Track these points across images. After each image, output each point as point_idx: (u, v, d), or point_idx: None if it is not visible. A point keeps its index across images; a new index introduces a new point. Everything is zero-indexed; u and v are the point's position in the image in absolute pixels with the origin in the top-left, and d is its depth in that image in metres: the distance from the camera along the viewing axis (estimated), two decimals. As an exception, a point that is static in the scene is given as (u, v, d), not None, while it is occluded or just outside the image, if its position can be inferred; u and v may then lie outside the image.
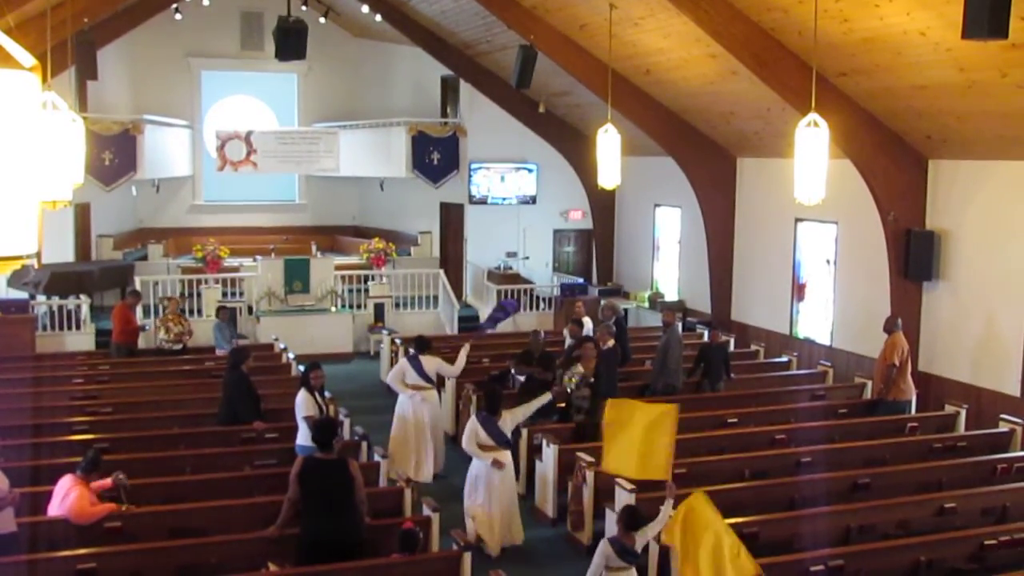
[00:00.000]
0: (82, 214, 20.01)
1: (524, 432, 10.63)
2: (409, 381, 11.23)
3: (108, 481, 7.84)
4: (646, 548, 8.04)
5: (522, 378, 11.34)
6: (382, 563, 7.22)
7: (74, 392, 12.11)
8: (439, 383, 12.14)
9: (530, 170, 20.96)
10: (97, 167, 18.23)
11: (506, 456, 9.23)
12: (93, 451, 8.05)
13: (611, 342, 11.99)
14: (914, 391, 11.91)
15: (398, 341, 15.02)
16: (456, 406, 12.73)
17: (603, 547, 7.11)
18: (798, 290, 15.73)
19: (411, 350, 11.66)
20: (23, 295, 16.64)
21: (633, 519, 7.15)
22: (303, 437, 9.21)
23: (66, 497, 7.54)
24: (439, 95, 22.59)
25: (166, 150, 21.25)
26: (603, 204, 20.89)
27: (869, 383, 12.72)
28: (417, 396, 11.23)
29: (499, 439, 9.18)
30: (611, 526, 8.26)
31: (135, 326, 14.41)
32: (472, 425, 9.29)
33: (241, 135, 21.16)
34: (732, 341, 15.27)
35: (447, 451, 11.69)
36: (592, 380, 10.67)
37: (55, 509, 7.61)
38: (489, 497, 9.08)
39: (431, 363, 11.30)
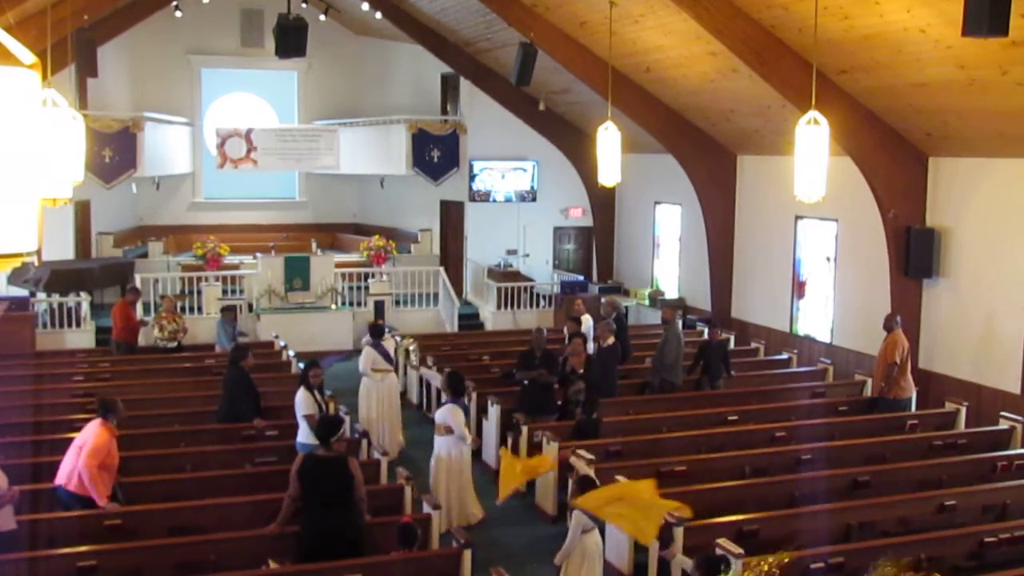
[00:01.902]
0: (82, 212, 20.01)
1: (524, 430, 10.65)
2: (377, 367, 11.91)
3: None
4: (644, 551, 8.09)
5: (526, 381, 11.33)
6: (382, 560, 7.22)
7: (74, 389, 12.11)
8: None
9: (525, 170, 20.95)
10: (97, 164, 18.23)
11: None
12: (99, 398, 8.37)
13: (611, 339, 12.01)
14: (914, 389, 11.91)
15: (398, 339, 15.02)
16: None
17: (576, 516, 7.63)
18: (798, 287, 15.73)
19: (370, 339, 12.15)
20: (23, 292, 16.64)
21: (584, 487, 7.68)
22: (303, 435, 9.22)
23: (95, 436, 7.78)
24: (439, 93, 22.58)
25: (166, 147, 21.24)
26: (603, 201, 20.90)
27: (869, 380, 12.72)
28: (387, 378, 12.01)
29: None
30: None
31: (135, 323, 14.42)
32: (451, 409, 9.68)
33: (241, 132, 21.14)
34: (732, 338, 15.28)
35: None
36: (582, 372, 10.76)
37: (79, 443, 7.80)
38: (447, 474, 9.66)
39: (391, 344, 12.32)
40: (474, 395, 12.04)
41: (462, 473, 9.81)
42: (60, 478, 7.93)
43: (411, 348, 12.46)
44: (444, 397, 10.12)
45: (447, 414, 9.70)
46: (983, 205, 12.29)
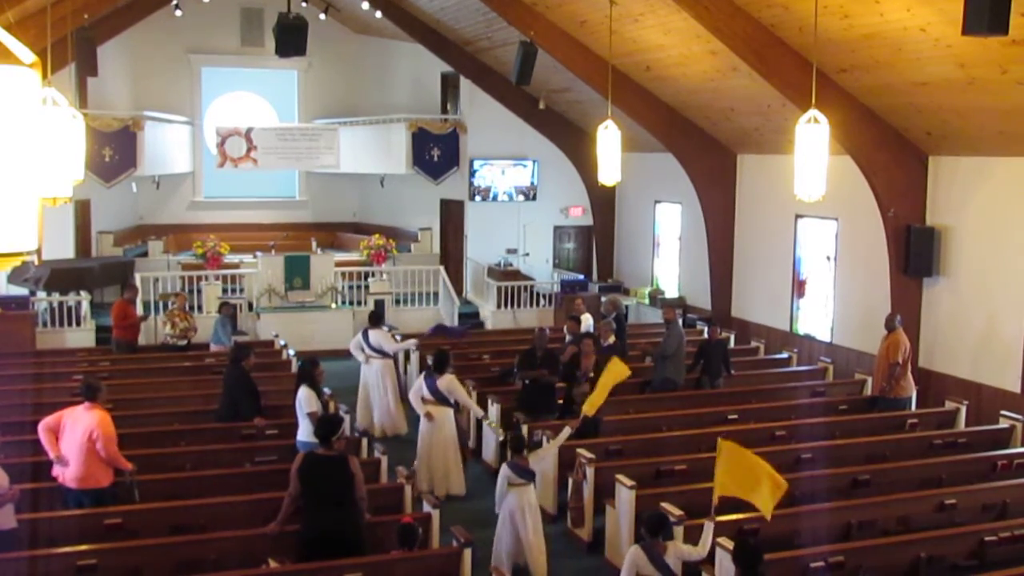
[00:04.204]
0: (82, 211, 20.01)
1: (524, 428, 10.64)
2: (366, 351, 12.55)
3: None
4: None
5: (527, 381, 11.34)
6: (382, 559, 7.22)
7: (74, 388, 12.07)
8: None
9: (525, 166, 20.97)
10: (97, 163, 18.22)
11: (447, 413, 10.53)
12: (85, 381, 8.43)
13: (612, 339, 12.02)
14: (914, 388, 11.91)
15: (398, 337, 15.01)
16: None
17: (503, 470, 8.39)
18: (798, 286, 15.73)
19: (367, 324, 12.92)
20: (23, 291, 16.63)
21: (517, 444, 8.44)
22: (303, 433, 9.22)
23: (94, 425, 7.77)
24: (439, 91, 22.58)
25: (166, 146, 21.24)
26: (603, 200, 20.90)
27: (869, 379, 12.71)
28: (374, 363, 12.57)
29: (438, 397, 10.43)
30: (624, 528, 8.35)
31: (135, 322, 14.38)
32: (419, 382, 10.55)
33: (241, 131, 21.14)
34: (732, 337, 15.28)
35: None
36: (591, 375, 10.72)
37: (76, 434, 7.79)
38: (429, 447, 10.38)
39: (376, 336, 12.65)
40: (474, 394, 12.04)
41: (448, 444, 10.54)
42: (69, 480, 7.88)
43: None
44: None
45: (445, 384, 10.53)
46: (983, 204, 12.28)
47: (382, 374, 12.65)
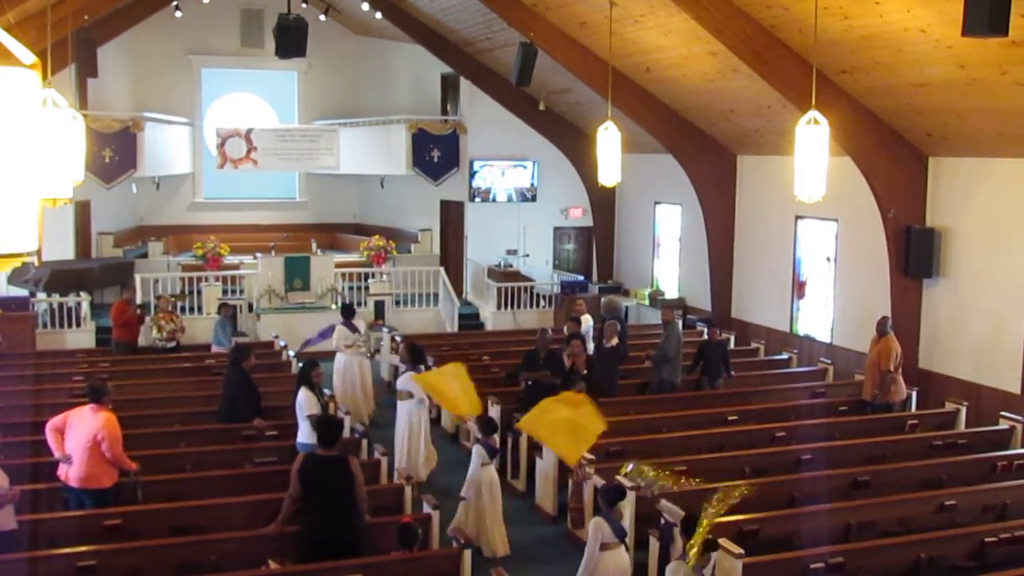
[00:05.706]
0: (82, 212, 20.01)
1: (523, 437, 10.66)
2: (348, 343, 13.08)
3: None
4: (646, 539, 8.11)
5: (529, 382, 11.35)
6: (382, 560, 7.22)
7: (74, 389, 12.09)
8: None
9: (525, 167, 20.97)
10: (97, 164, 18.22)
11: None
12: (90, 383, 8.44)
13: (615, 340, 12.03)
14: (905, 392, 11.90)
15: (398, 339, 15.04)
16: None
17: (476, 449, 9.14)
18: (798, 287, 15.73)
19: (342, 317, 13.47)
20: (24, 292, 16.64)
21: (488, 426, 9.27)
22: (304, 435, 9.22)
23: (99, 426, 7.80)
24: (439, 92, 22.59)
25: (166, 147, 21.24)
26: (603, 201, 20.90)
27: (868, 381, 12.72)
28: (354, 354, 13.07)
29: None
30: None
31: (135, 323, 14.36)
32: (405, 381, 10.91)
33: (241, 132, 21.14)
34: (732, 338, 15.28)
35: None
36: (584, 373, 10.79)
37: (80, 434, 7.82)
38: (421, 436, 10.83)
39: (361, 323, 13.48)
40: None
41: (421, 433, 10.88)
42: (72, 480, 7.90)
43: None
44: (403, 367, 11.30)
45: (408, 381, 10.76)
46: (983, 205, 12.29)
47: (362, 365, 13.21)
